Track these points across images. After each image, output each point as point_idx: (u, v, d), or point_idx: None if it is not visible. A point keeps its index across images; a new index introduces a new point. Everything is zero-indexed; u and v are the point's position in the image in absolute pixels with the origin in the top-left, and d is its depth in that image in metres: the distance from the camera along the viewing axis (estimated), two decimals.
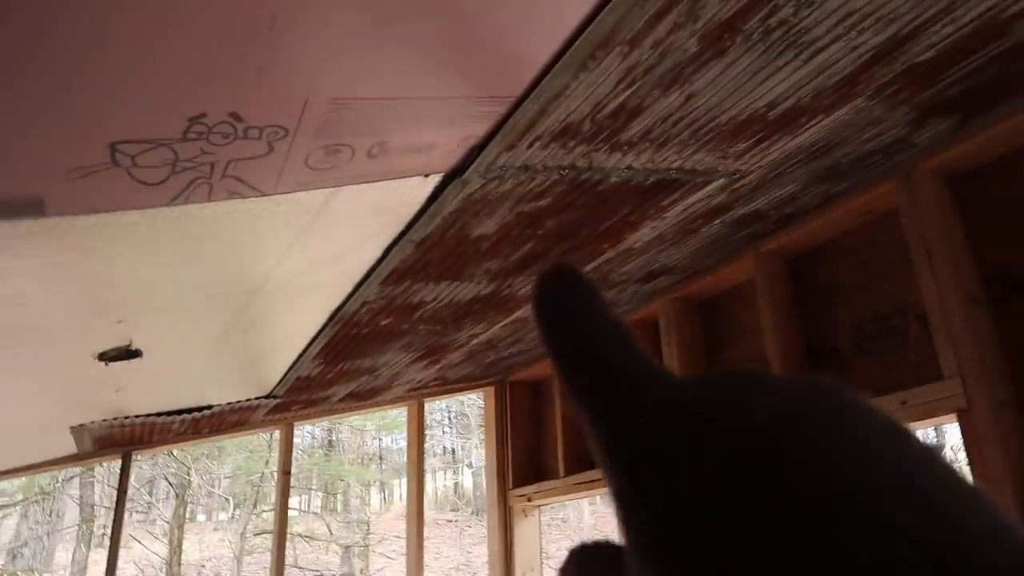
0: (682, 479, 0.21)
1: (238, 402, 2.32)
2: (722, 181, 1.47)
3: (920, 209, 1.68)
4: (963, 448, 1.57)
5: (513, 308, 1.98)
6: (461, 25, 0.85)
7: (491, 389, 2.96)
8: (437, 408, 19.33)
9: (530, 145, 1.14)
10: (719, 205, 1.62)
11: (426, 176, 1.16)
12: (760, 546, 0.19)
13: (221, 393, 2.23)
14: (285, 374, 2.10)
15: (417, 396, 2.87)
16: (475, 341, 2.23)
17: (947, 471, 0.21)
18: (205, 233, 1.17)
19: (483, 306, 1.89)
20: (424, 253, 1.46)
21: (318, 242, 1.29)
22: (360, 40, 0.82)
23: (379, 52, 0.84)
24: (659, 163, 1.31)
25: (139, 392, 1.96)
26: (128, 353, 1.58)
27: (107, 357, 1.55)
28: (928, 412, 1.64)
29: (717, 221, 1.71)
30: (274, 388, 2.25)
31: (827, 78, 1.17)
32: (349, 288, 1.57)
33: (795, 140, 1.37)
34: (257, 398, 2.32)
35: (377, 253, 1.43)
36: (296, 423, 2.84)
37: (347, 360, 2.08)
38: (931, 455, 0.21)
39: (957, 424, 1.59)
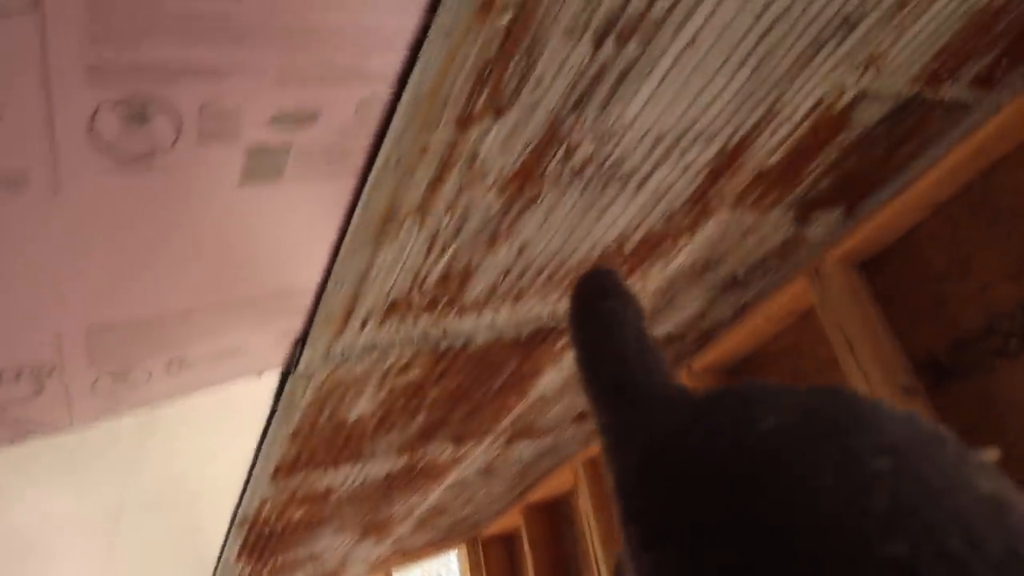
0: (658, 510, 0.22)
1: None
2: None
3: (834, 303, 1.58)
4: None
5: (442, 474, 1.84)
6: (229, 232, 0.77)
7: (463, 548, 2.77)
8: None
9: (362, 327, 1.05)
10: None
11: (259, 375, 1.06)
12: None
13: None
14: None
15: (383, 567, 2.67)
16: (418, 511, 2.08)
17: (983, 486, 0.19)
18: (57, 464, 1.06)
19: (405, 479, 1.75)
20: (303, 445, 1.35)
21: (164, 458, 1.18)
22: (112, 265, 0.74)
23: (136, 275, 0.77)
24: (525, 315, 1.22)
25: None
26: None
27: None
28: None
29: None
30: None
31: (670, 202, 1.10)
32: (237, 490, 1.45)
33: (671, 264, 1.29)
34: None
35: (248, 453, 1.31)
36: None
37: (276, 555, 1.92)
38: (960, 463, 0.20)
39: None
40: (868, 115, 1.15)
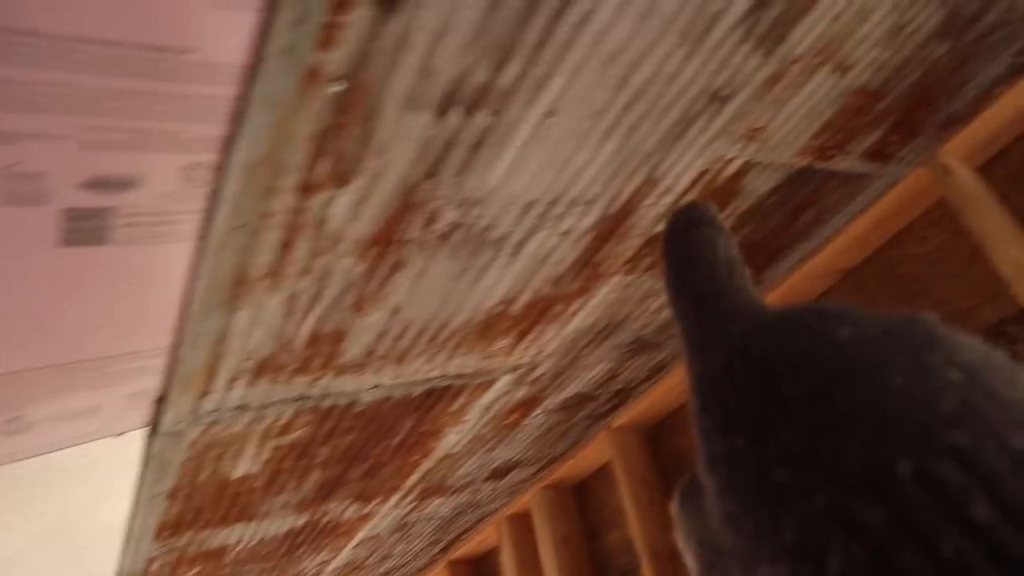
0: (743, 402, 0.24)
1: None
2: (509, 377, 1.36)
3: None
4: None
5: (350, 531, 1.79)
6: (56, 294, 0.74)
7: None
8: None
9: (230, 388, 1.02)
10: (527, 398, 1.50)
11: (118, 435, 1.02)
12: (813, 459, 0.20)
13: None
14: None
15: None
16: (329, 568, 2.01)
17: None
18: None
19: (308, 537, 1.70)
20: (185, 503, 1.30)
21: (24, 520, 1.12)
22: None
23: None
24: (412, 376, 1.20)
25: None
26: None
27: None
28: None
29: (537, 412, 1.58)
30: None
31: (555, 266, 1.09)
32: (116, 551, 1.39)
33: (568, 327, 1.28)
34: None
35: (123, 512, 1.26)
36: None
37: None
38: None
39: None
40: (759, 185, 1.15)
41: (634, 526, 1.77)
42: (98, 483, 1.13)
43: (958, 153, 1.28)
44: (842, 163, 1.20)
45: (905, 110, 1.13)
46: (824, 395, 0.21)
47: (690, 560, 0.28)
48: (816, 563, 0.19)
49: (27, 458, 0.96)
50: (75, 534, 1.26)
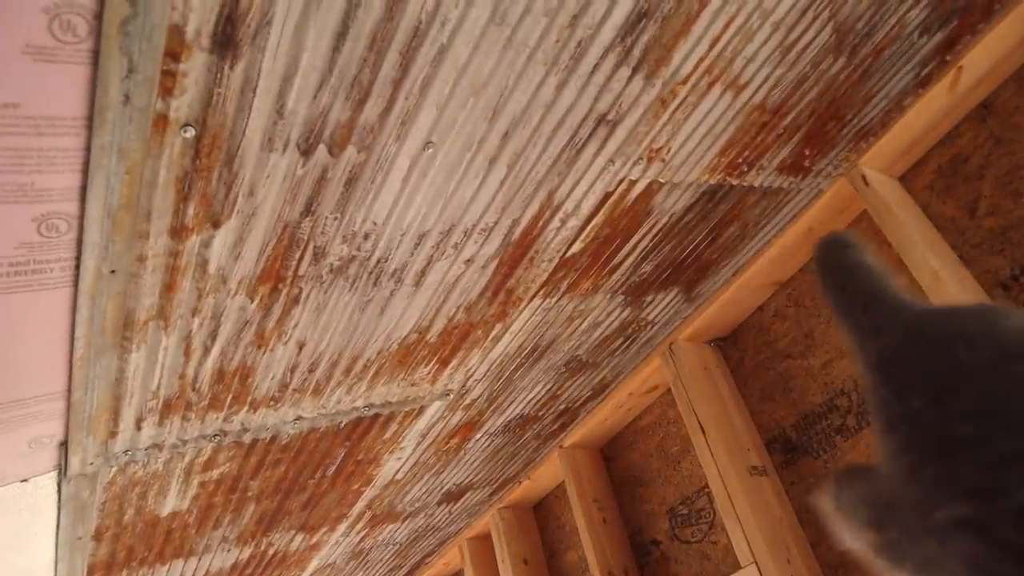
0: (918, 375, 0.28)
1: None
2: (440, 403, 1.36)
3: (686, 381, 1.57)
4: None
5: (301, 561, 1.78)
6: None
7: None
8: None
9: (138, 427, 1.01)
10: (465, 422, 1.49)
11: (24, 481, 1.01)
12: (992, 416, 0.24)
13: None
14: None
15: None
16: None
17: None
18: None
19: (256, 569, 1.69)
20: (114, 543, 1.29)
21: None
22: None
23: None
24: (334, 407, 1.19)
25: None
26: None
27: None
28: None
29: (478, 435, 1.58)
30: None
31: (463, 294, 1.09)
32: None
33: (492, 352, 1.28)
34: None
35: (46, 558, 1.25)
36: None
37: None
38: None
39: None
40: (671, 203, 1.16)
41: (587, 545, 1.76)
42: (12, 530, 1.12)
43: (875, 164, 1.29)
44: (757, 178, 1.21)
45: (814, 124, 1.14)
46: (996, 367, 0.26)
47: (852, 525, 0.32)
48: (997, 501, 0.23)
49: None
50: None
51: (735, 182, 1.19)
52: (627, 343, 1.53)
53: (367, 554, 1.96)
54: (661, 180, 1.09)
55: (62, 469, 1.02)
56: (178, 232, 0.75)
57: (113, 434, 1.00)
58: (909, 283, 1.28)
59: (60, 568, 1.27)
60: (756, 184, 1.23)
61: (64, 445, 0.98)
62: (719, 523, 1.63)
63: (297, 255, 0.86)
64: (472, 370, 1.30)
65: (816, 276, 0.41)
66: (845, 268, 0.38)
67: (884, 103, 1.19)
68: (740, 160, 1.14)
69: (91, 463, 1.03)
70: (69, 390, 0.89)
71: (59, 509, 1.11)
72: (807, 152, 1.21)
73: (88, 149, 0.64)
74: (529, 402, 1.55)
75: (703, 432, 1.53)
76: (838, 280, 0.38)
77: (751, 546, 1.41)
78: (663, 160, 1.05)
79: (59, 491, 1.07)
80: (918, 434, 0.27)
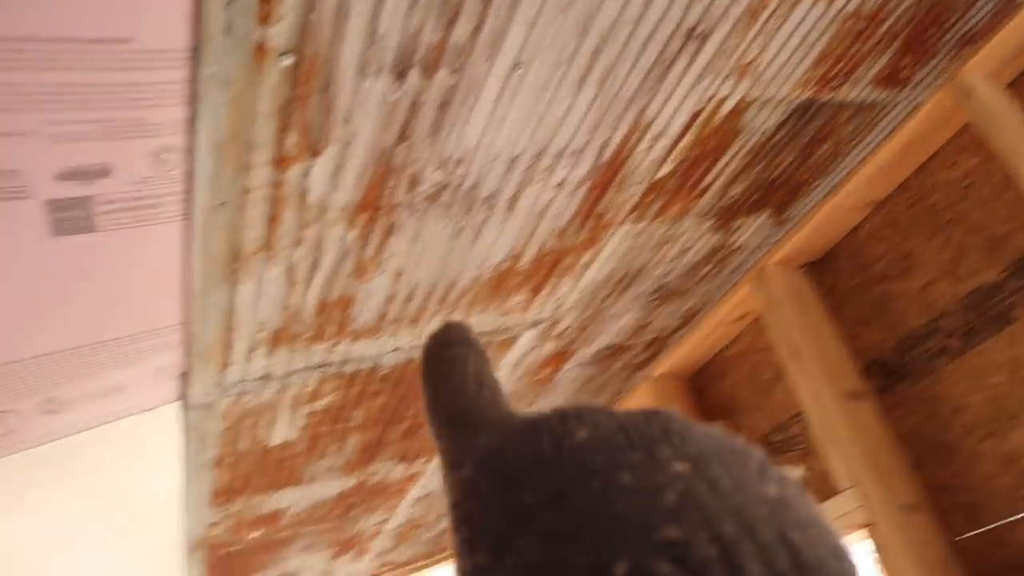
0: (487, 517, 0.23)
1: None
2: (531, 332, 1.38)
3: (777, 307, 1.55)
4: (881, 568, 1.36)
5: (401, 491, 1.85)
6: (58, 281, 0.79)
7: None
8: None
9: (249, 358, 1.07)
10: (556, 352, 1.51)
11: (151, 410, 1.08)
12: (544, 570, 0.20)
13: None
14: None
15: None
16: (390, 527, 2.09)
17: (771, 490, 0.21)
18: None
19: (360, 498, 1.77)
20: (232, 470, 1.37)
21: (84, 493, 1.21)
22: None
23: None
24: None
25: None
26: None
27: None
28: (842, 531, 1.44)
29: (569, 365, 1.60)
30: None
31: (554, 219, 1.09)
32: (179, 516, 1.48)
33: (583, 279, 1.28)
34: None
35: (177, 481, 1.34)
36: None
37: (248, 575, 1.96)
38: (757, 474, 0.22)
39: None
40: (762, 121, 1.13)
41: None
42: (144, 456, 1.20)
43: (980, 71, 1.22)
44: (851, 92, 1.16)
45: (912, 31, 1.09)
46: (558, 500, 0.22)
47: None
48: None
49: (67, 436, 1.03)
50: (133, 506, 1.35)
51: (828, 97, 1.15)
52: (716, 269, 1.51)
53: (443, 483, 2.03)
54: (751, 97, 1.06)
55: (184, 399, 1.09)
56: (280, 162, 0.78)
57: (227, 365, 1.06)
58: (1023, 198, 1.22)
59: (188, 491, 1.36)
60: (850, 99, 1.18)
61: (185, 376, 1.05)
62: (815, 449, 1.62)
63: (392, 183, 0.88)
64: (563, 298, 1.31)
65: None
66: (439, 374, 0.34)
67: (991, 4, 1.12)
68: (834, 73, 1.10)
69: (209, 393, 1.10)
70: (186, 322, 0.95)
71: (185, 437, 1.19)
72: (905, 62, 1.15)
73: (194, 81, 0.66)
74: (618, 331, 1.56)
75: (797, 358, 1.51)
76: (431, 389, 0.33)
77: (850, 470, 1.40)
78: (754, 75, 1.02)
79: (183, 420, 1.14)
80: None
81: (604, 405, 0.26)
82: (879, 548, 1.35)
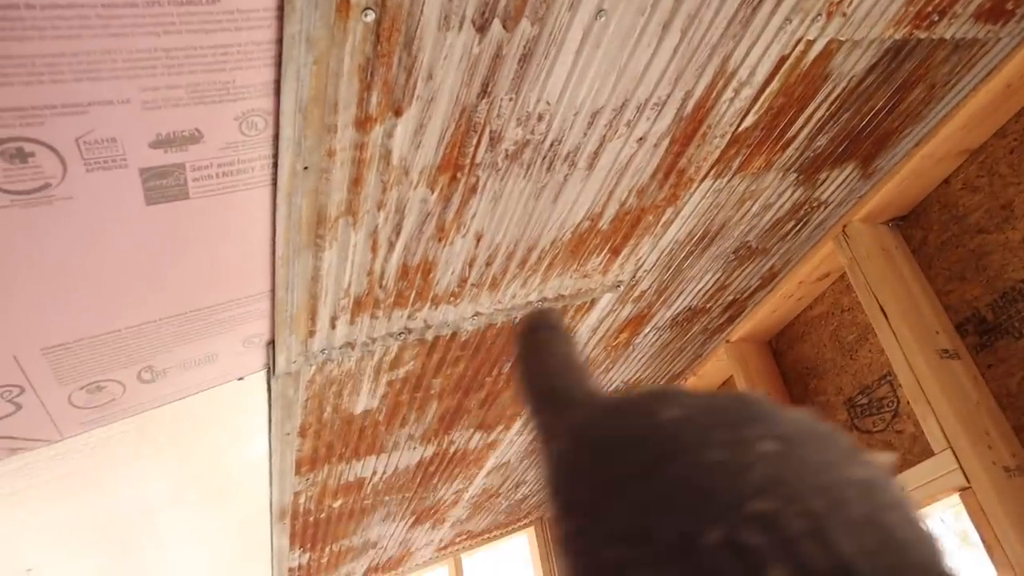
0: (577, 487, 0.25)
1: None
2: (610, 295, 1.35)
3: (863, 264, 1.49)
4: (977, 534, 1.31)
5: (479, 460, 1.86)
6: (154, 249, 0.81)
7: (531, 530, 2.78)
8: None
9: (332, 325, 1.07)
10: (634, 316, 1.49)
11: (240, 379, 1.10)
12: (637, 536, 0.21)
13: None
14: (272, 570, 2.03)
15: (451, 553, 2.72)
16: (467, 496, 2.10)
17: (859, 472, 0.22)
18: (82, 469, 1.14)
19: (439, 467, 1.78)
20: (316, 439, 1.39)
21: (176, 461, 1.24)
22: (45, 291, 0.79)
23: (72, 297, 0.81)
24: (509, 302, 1.21)
25: None
26: None
27: None
28: (932, 495, 1.39)
29: (647, 329, 1.57)
30: None
31: (635, 176, 1.06)
32: (265, 485, 1.51)
33: (663, 239, 1.25)
34: None
35: (263, 450, 1.37)
36: None
37: (330, 543, 1.99)
38: (845, 456, 0.22)
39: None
40: (851, 65, 1.07)
41: None
42: (235, 424, 1.23)
43: None
44: (949, 29, 1.10)
45: None
46: (650, 473, 0.22)
47: None
48: None
49: (164, 404, 1.06)
50: (223, 473, 1.38)
51: (923, 35, 1.09)
52: (798, 227, 1.46)
53: (538, 454, 2.03)
54: (841, 38, 1.01)
55: (271, 368, 1.10)
56: (363, 123, 0.77)
57: (311, 333, 1.07)
58: None
59: (273, 460, 1.39)
60: (948, 36, 1.12)
61: (271, 344, 1.06)
62: (904, 411, 1.56)
63: (474, 141, 0.86)
64: (642, 259, 1.28)
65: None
66: (529, 356, 0.35)
67: None
68: (930, 8, 1.03)
69: (294, 361, 1.11)
70: (273, 289, 0.95)
71: (269, 406, 1.21)
72: None
73: (280, 41, 0.65)
74: (697, 293, 1.52)
75: (885, 317, 1.45)
76: (523, 370, 0.35)
77: (945, 432, 1.34)
78: (844, 14, 0.97)
79: (268, 389, 1.16)
80: (579, 558, 0.23)
81: (692, 389, 0.26)
82: (978, 513, 1.29)
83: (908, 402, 1.53)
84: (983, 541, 1.29)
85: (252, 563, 1.96)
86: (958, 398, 1.35)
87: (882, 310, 1.45)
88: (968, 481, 1.30)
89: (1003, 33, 1.17)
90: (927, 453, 1.43)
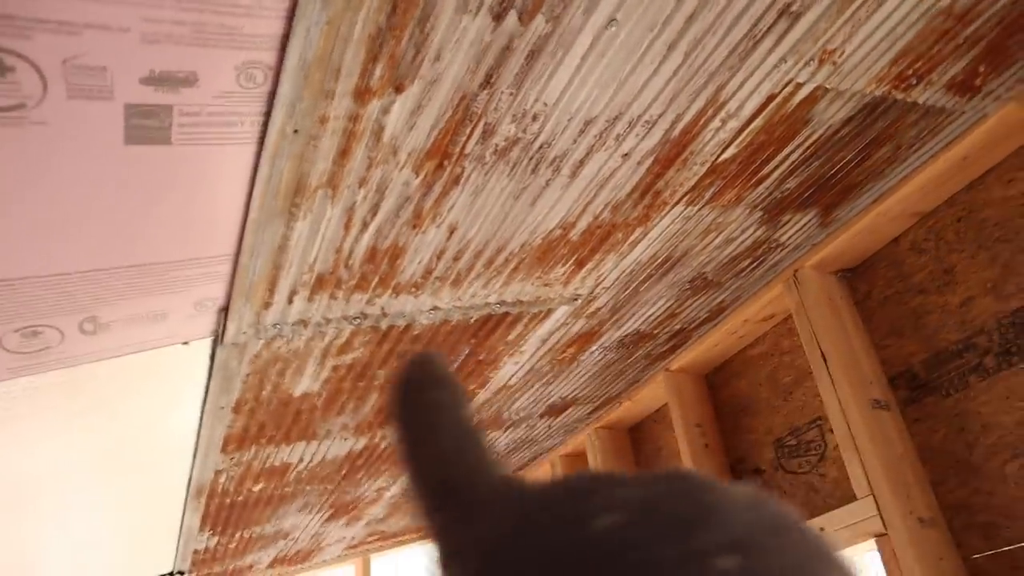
0: None
1: None
2: (566, 308, 1.36)
3: (811, 311, 1.53)
4: None
5: None
6: (123, 192, 0.77)
7: None
8: None
9: (290, 300, 1.04)
10: (584, 332, 1.49)
11: (185, 343, 1.06)
12: None
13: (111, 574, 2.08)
14: (177, 549, 1.96)
15: (361, 552, 2.68)
16: (388, 495, 2.07)
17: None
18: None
19: (367, 461, 1.75)
20: (249, 417, 1.35)
21: (102, 420, 1.18)
22: (2, 219, 0.74)
23: (29, 231, 0.77)
24: (469, 300, 1.20)
25: None
26: None
27: None
28: (849, 538, 1.43)
29: (594, 347, 1.58)
30: (175, 563, 2.10)
31: (614, 191, 1.07)
32: (188, 459, 1.46)
33: (627, 258, 1.26)
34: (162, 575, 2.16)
35: (192, 422, 1.32)
36: None
37: (241, 528, 1.93)
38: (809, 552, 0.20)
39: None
40: (831, 114, 1.11)
41: (688, 465, 1.76)
42: (169, 390, 1.18)
43: None
44: (923, 94, 1.14)
45: (997, 36, 1.07)
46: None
47: None
48: None
49: (101, 359, 1.01)
50: (146, 442, 1.33)
51: (899, 96, 1.13)
52: (754, 265, 1.50)
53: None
54: (827, 86, 1.04)
55: (219, 336, 1.06)
56: (362, 94, 0.75)
57: (267, 305, 1.04)
58: None
59: (202, 434, 1.34)
60: (920, 101, 1.16)
61: (224, 311, 1.02)
62: (830, 456, 1.61)
63: (467, 131, 0.85)
64: (604, 276, 1.29)
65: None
66: (416, 428, 0.29)
67: None
68: (910, 72, 1.08)
69: (244, 332, 1.07)
70: (237, 254, 0.92)
71: (209, 376, 1.16)
72: (981, 69, 1.14)
73: None
74: (647, 318, 1.54)
75: (825, 362, 1.49)
76: (408, 448, 0.28)
77: (869, 479, 1.38)
78: (834, 63, 1.00)
79: (212, 358, 1.12)
80: None
81: (616, 470, 0.22)
82: (891, 559, 1.34)
83: (835, 447, 1.58)
84: None
85: (156, 540, 1.88)
86: (884, 447, 1.39)
87: (823, 356, 1.50)
88: (885, 528, 1.34)
89: (967, 107, 1.22)
90: (848, 498, 1.48)
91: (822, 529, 1.49)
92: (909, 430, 1.44)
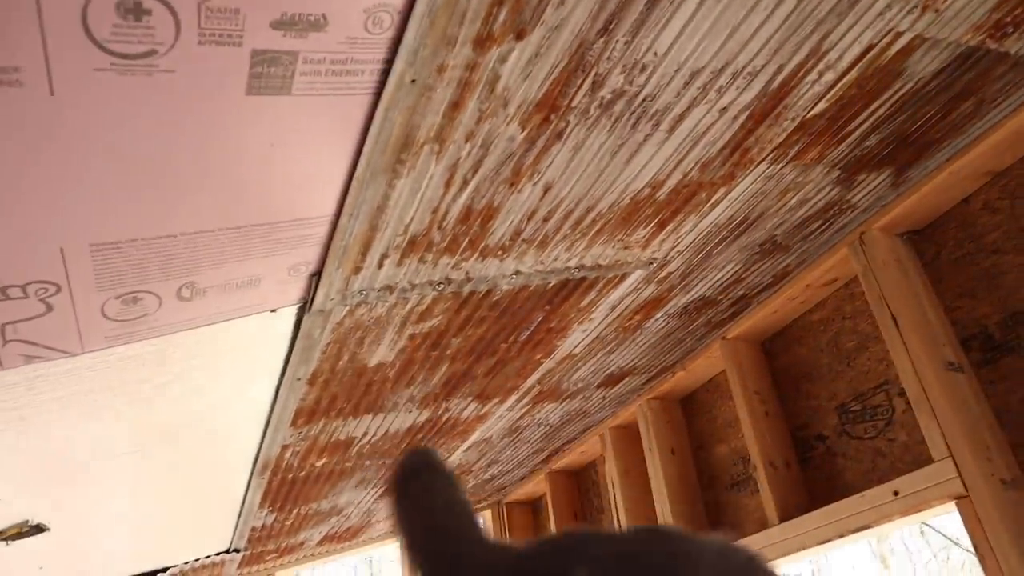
0: None
1: (197, 560, 2.16)
2: (640, 272, 1.34)
3: (878, 273, 1.51)
4: (971, 541, 1.34)
5: (465, 432, 1.83)
6: (237, 147, 0.75)
7: (488, 513, 2.76)
8: None
9: (380, 264, 1.03)
10: (653, 298, 1.47)
11: (273, 311, 1.04)
12: None
13: (175, 554, 2.08)
14: (236, 527, 1.96)
15: None
16: None
17: None
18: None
19: (427, 433, 1.74)
20: (323, 389, 1.33)
21: (184, 392, 1.17)
22: (115, 176, 0.72)
23: (140, 189, 0.75)
24: (551, 264, 1.19)
25: (63, 568, 1.82)
26: (33, 529, 1.46)
27: (5, 536, 1.43)
28: (923, 502, 1.42)
29: (659, 314, 1.56)
30: (232, 541, 2.10)
31: (706, 147, 1.05)
32: (258, 434, 1.45)
33: (706, 219, 1.24)
34: (218, 553, 2.16)
35: (267, 395, 1.30)
36: (278, 573, 2.66)
37: (299, 505, 1.93)
38: None
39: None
40: (924, 65, 1.08)
41: (749, 436, 1.75)
42: (249, 361, 1.16)
43: None
44: (1016, 44, 1.11)
45: None
46: None
47: None
48: None
49: (193, 328, 0.99)
50: (226, 414, 1.32)
51: (993, 46, 1.10)
52: (823, 227, 1.47)
53: (520, 432, 2.00)
54: (926, 35, 1.01)
55: (307, 303, 1.05)
56: (482, 42, 0.73)
57: (357, 270, 1.02)
58: None
59: (277, 407, 1.33)
60: (1011, 51, 1.13)
61: (316, 276, 1.01)
62: (898, 420, 1.59)
63: (577, 82, 0.83)
64: (681, 238, 1.27)
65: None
66: (409, 509, 0.32)
67: None
68: (1008, 19, 1.05)
69: (332, 299, 1.06)
70: (337, 215, 0.90)
71: (291, 346, 1.15)
72: None
73: None
74: (715, 283, 1.52)
75: (896, 325, 1.47)
76: (403, 529, 0.32)
77: (948, 440, 1.36)
78: (936, 10, 0.97)
79: (296, 326, 1.10)
80: None
81: (593, 528, 0.26)
82: (973, 521, 1.32)
83: (904, 411, 1.56)
84: (976, 549, 1.32)
85: (217, 517, 1.88)
86: (961, 409, 1.38)
87: (893, 318, 1.48)
88: (967, 490, 1.33)
89: None
90: (918, 463, 1.46)
91: (896, 493, 1.48)
92: (985, 392, 1.42)
